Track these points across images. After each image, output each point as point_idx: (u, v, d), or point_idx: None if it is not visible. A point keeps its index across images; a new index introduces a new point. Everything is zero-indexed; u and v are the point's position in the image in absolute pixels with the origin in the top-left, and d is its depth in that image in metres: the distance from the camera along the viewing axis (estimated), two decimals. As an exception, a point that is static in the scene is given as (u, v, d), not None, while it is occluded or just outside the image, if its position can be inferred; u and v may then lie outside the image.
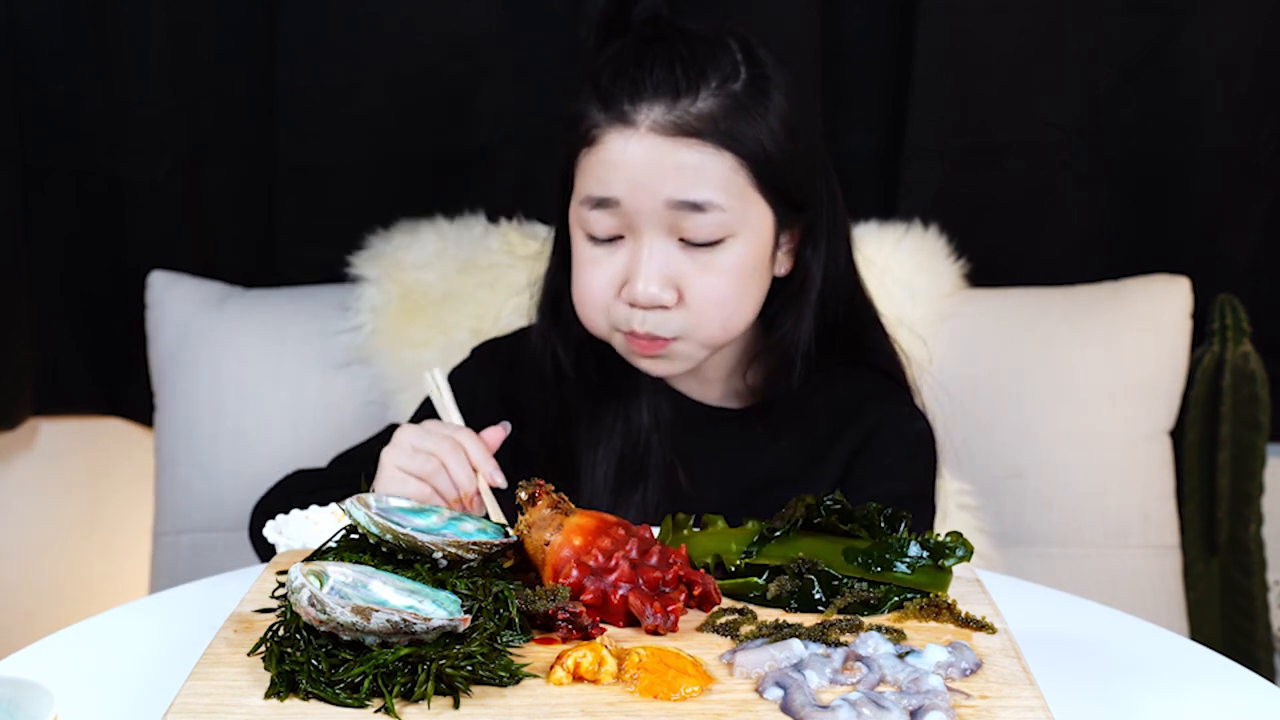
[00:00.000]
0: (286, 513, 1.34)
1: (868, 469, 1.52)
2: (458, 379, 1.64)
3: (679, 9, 1.85)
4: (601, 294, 1.45)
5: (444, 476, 1.37)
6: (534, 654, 1.04)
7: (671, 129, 1.40)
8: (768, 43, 1.48)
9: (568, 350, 1.55)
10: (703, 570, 1.17)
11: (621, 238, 1.44)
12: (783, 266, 1.52)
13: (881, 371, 1.60)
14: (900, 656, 1.03)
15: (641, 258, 1.42)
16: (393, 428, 1.59)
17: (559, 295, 1.55)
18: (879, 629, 1.08)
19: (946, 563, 1.15)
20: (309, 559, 1.10)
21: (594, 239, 1.45)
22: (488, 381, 1.62)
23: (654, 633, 1.08)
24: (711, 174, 1.41)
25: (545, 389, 1.56)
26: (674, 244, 1.42)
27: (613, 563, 1.10)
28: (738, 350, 1.56)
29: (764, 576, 1.16)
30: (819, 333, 1.53)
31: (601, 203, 1.42)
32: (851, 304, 1.58)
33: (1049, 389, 2.02)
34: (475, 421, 1.58)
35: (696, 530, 1.24)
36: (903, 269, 2.00)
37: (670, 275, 1.43)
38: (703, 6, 2.04)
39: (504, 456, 1.57)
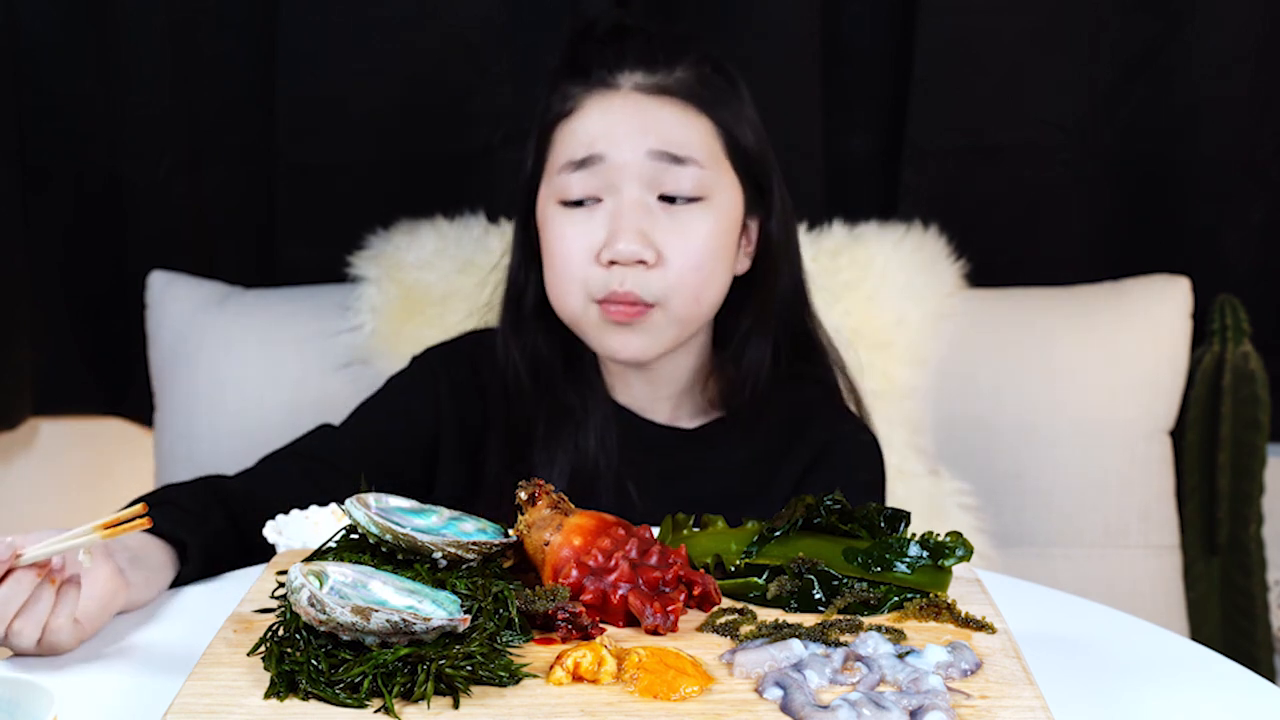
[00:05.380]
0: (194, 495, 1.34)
1: (817, 485, 1.50)
2: (396, 386, 1.62)
3: (668, 14, 1.88)
4: (578, 262, 1.46)
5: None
6: (534, 654, 1.04)
7: (653, 89, 1.46)
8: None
9: (525, 362, 1.54)
10: (703, 570, 1.17)
11: (599, 201, 1.46)
12: (742, 264, 1.54)
13: (824, 385, 1.61)
14: (900, 656, 1.03)
15: (623, 212, 1.44)
16: (324, 427, 1.58)
17: (520, 295, 1.55)
18: (879, 629, 1.08)
19: (946, 563, 1.15)
20: (309, 559, 1.10)
21: (570, 205, 1.46)
22: (430, 394, 1.59)
23: (654, 633, 1.08)
24: (691, 133, 1.45)
25: (508, 397, 1.55)
26: (653, 201, 1.45)
27: (613, 563, 1.10)
28: (693, 366, 1.56)
29: (764, 576, 1.16)
30: (777, 340, 1.54)
31: (583, 163, 1.45)
32: (803, 316, 1.59)
33: (1049, 389, 2.02)
34: (418, 432, 1.57)
35: (696, 530, 1.24)
36: (903, 269, 2.00)
37: (650, 232, 1.44)
38: (703, 7, 2.05)
39: (461, 474, 1.56)
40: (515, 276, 1.56)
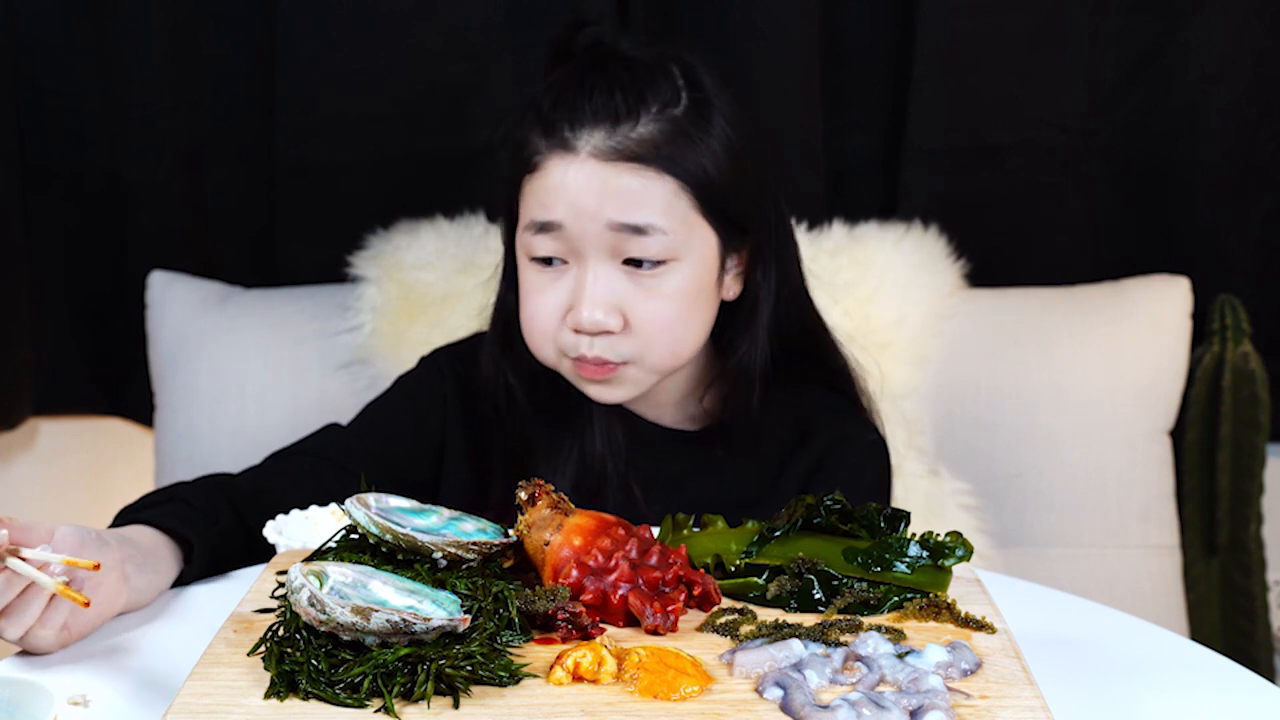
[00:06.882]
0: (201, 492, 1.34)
1: (822, 488, 1.50)
2: (404, 386, 1.63)
3: (667, 14, 1.83)
4: (548, 322, 1.45)
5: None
6: (534, 654, 1.04)
7: (612, 154, 1.40)
8: (710, 68, 1.48)
9: (520, 378, 1.54)
10: (703, 570, 1.17)
11: (566, 262, 1.44)
12: (731, 290, 1.52)
13: (832, 388, 1.61)
14: (900, 656, 1.03)
15: (585, 283, 1.42)
16: (332, 426, 1.59)
17: (510, 321, 1.54)
18: (879, 629, 1.08)
19: (946, 563, 1.15)
20: (309, 559, 1.10)
21: (539, 263, 1.45)
22: (437, 396, 1.60)
23: (654, 633, 1.08)
24: (653, 198, 1.41)
25: (500, 413, 1.56)
26: (618, 268, 1.42)
27: (613, 563, 1.10)
28: (691, 375, 1.56)
29: (764, 576, 1.16)
30: (775, 353, 1.53)
31: (544, 227, 1.42)
32: (805, 322, 1.58)
33: (1049, 389, 2.01)
34: (426, 433, 1.58)
35: (696, 530, 1.24)
36: (903, 269, 2.00)
37: (614, 301, 1.42)
38: (702, 7, 2.05)
39: (466, 476, 1.57)
40: (504, 304, 1.56)
